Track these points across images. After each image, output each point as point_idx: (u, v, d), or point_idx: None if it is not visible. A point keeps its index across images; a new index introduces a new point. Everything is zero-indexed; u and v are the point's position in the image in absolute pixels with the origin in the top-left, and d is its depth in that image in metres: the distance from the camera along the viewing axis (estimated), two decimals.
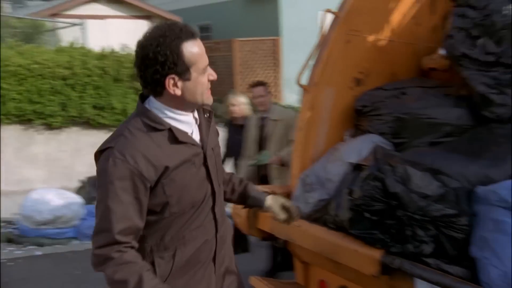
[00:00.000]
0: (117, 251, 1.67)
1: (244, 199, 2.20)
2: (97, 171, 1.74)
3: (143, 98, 1.82)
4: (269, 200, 2.17)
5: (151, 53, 1.69)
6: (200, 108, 1.89)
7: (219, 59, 13.21)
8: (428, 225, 2.27)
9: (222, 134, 5.20)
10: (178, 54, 1.70)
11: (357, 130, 3.06)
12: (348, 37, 3.17)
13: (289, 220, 2.19)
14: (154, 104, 1.78)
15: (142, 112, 1.77)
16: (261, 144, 4.78)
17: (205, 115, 1.91)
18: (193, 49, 1.74)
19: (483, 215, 2.25)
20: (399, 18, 3.40)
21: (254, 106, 5.05)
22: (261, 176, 4.72)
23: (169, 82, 1.72)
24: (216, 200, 1.90)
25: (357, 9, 3.18)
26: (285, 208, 2.18)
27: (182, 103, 1.78)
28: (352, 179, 2.54)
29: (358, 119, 3.10)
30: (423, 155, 2.60)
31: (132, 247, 1.71)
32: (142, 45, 1.71)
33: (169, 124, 1.77)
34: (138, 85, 10.31)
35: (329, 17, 3.11)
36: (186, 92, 1.76)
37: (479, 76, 2.81)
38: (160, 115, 1.77)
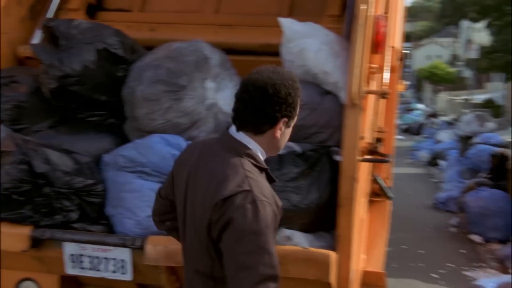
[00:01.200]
0: None
1: None
2: (239, 218, 1.63)
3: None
4: None
5: (284, 93, 1.75)
6: None
7: None
8: (73, 196, 2.68)
9: None
10: (298, 101, 1.82)
11: None
12: None
13: None
14: (251, 145, 1.80)
15: (246, 153, 1.78)
16: None
17: None
18: (300, 99, 1.84)
19: (112, 180, 2.81)
20: None
21: None
22: None
23: (281, 123, 1.78)
24: None
25: None
26: None
27: (271, 147, 1.84)
28: None
29: None
30: (51, 137, 2.93)
31: None
32: (275, 83, 1.74)
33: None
34: None
35: None
36: (282, 137, 1.83)
37: None
38: (259, 155, 1.82)
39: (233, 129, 1.83)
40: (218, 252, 1.72)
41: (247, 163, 1.76)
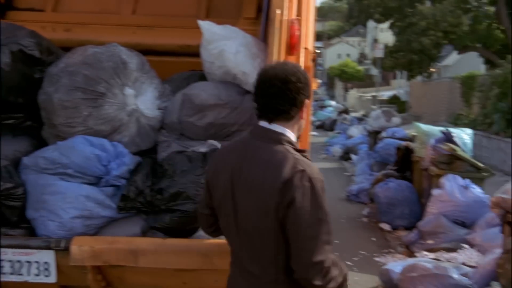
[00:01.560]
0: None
1: None
2: (300, 196, 1.84)
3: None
4: None
5: (302, 77, 1.97)
6: None
7: None
8: None
9: None
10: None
11: None
12: None
13: None
14: (287, 132, 1.97)
15: (285, 140, 1.95)
16: None
17: None
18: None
19: (33, 182, 2.77)
20: None
21: None
22: None
23: (305, 104, 1.99)
24: None
25: None
26: None
27: (297, 129, 2.03)
28: None
29: None
30: None
31: None
32: (292, 72, 1.96)
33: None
34: None
35: None
36: (304, 119, 2.03)
37: None
38: (293, 139, 1.99)
39: (263, 123, 2.00)
40: (284, 232, 1.89)
41: (290, 148, 1.95)
